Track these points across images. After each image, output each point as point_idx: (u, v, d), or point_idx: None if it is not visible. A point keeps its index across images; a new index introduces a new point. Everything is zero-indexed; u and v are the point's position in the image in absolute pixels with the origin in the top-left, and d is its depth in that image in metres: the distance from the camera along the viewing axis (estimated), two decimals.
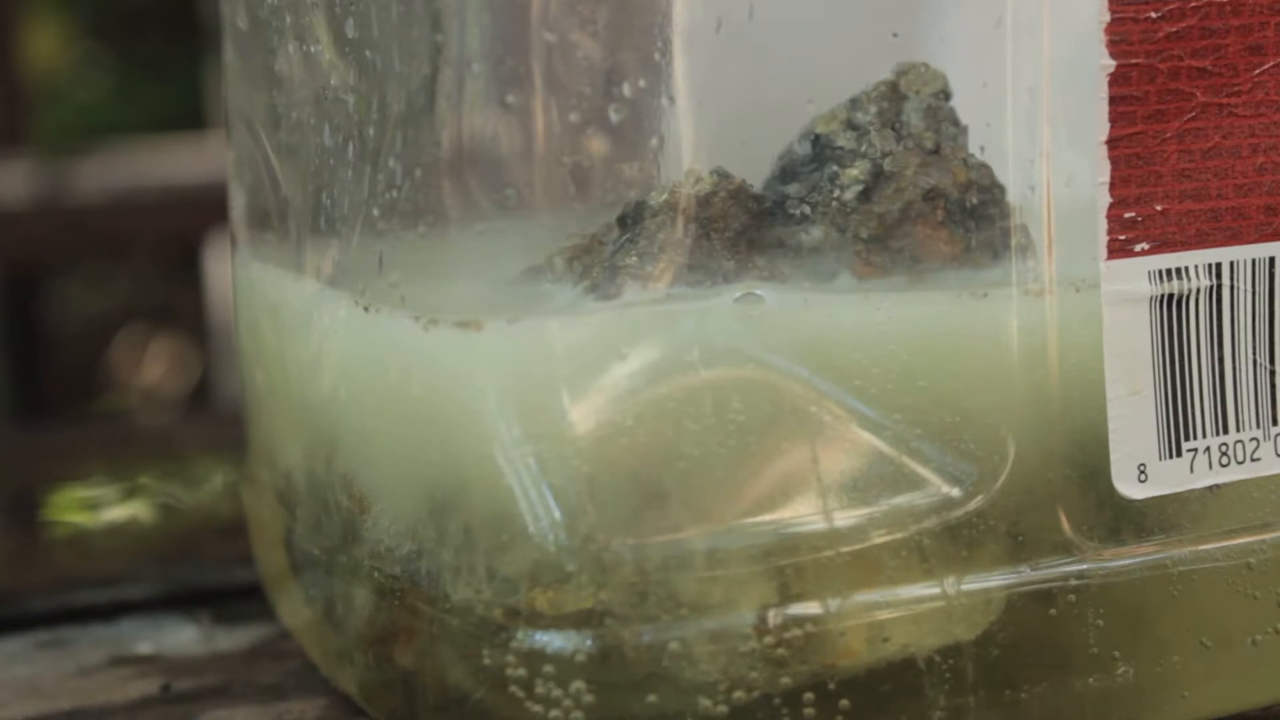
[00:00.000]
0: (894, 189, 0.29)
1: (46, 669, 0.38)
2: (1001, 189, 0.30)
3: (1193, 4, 0.29)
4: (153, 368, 2.00)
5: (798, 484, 0.28)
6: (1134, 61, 0.29)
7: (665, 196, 0.28)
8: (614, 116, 0.28)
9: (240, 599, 0.41)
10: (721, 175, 0.29)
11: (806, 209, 0.29)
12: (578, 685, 0.28)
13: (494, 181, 0.28)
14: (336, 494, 0.32)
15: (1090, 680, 0.30)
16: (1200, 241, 0.30)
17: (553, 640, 0.28)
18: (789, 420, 0.28)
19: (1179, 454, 0.30)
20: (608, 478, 0.28)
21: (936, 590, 0.29)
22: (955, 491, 0.29)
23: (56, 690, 0.37)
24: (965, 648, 0.29)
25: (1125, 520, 0.30)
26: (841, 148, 0.29)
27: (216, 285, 1.59)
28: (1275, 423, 0.31)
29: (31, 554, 0.49)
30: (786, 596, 0.28)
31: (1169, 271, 0.30)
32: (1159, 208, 0.30)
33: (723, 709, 0.28)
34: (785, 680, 0.28)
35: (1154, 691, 0.30)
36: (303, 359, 0.33)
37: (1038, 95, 0.29)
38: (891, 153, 0.29)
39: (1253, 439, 0.31)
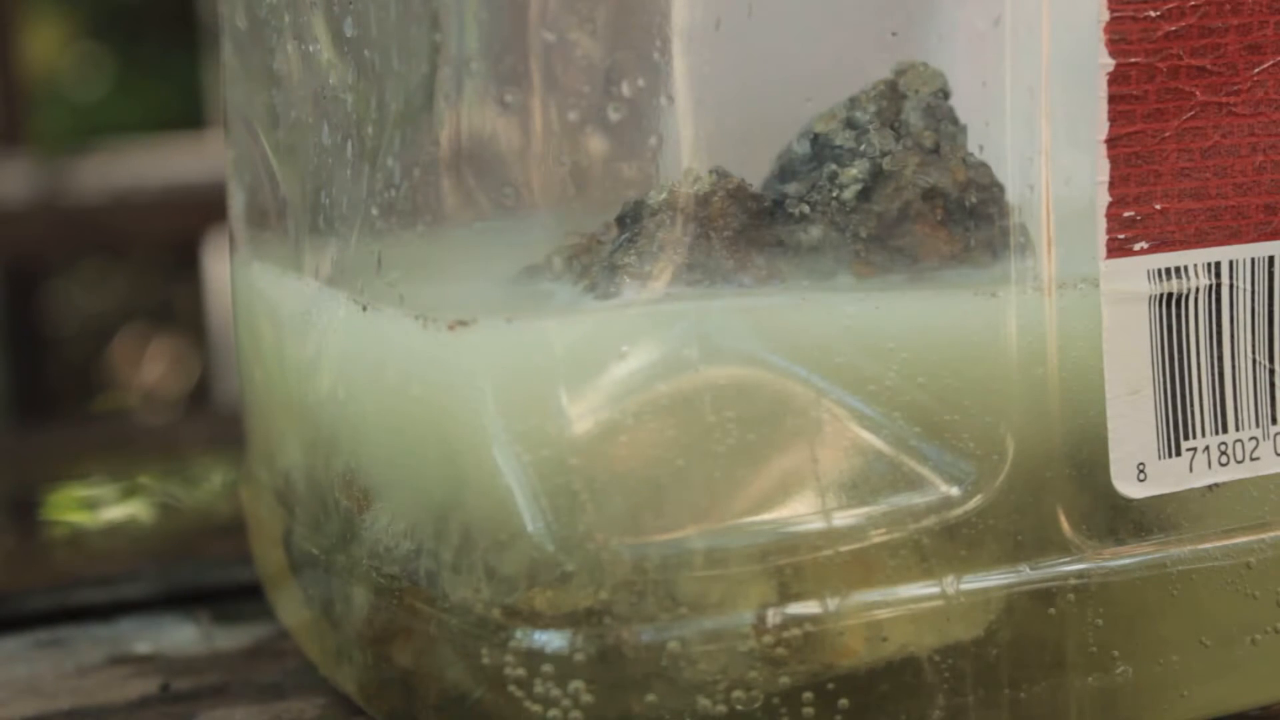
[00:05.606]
0: (893, 188, 0.29)
1: (46, 668, 0.38)
2: (1000, 188, 0.29)
3: (1192, 3, 0.29)
4: (153, 368, 2.00)
5: (797, 483, 0.28)
6: (1133, 60, 0.29)
7: (664, 196, 0.28)
8: (613, 116, 0.28)
9: (239, 599, 0.41)
10: (720, 174, 0.29)
11: (805, 208, 0.29)
12: (576, 685, 0.28)
13: (493, 180, 0.28)
14: (335, 493, 0.32)
15: (1090, 680, 0.30)
16: (1200, 240, 0.30)
17: (551, 640, 0.28)
18: (788, 419, 0.28)
19: (1178, 453, 0.30)
20: (606, 477, 0.28)
21: (936, 590, 0.29)
22: (955, 491, 0.29)
23: (56, 690, 0.37)
24: (965, 648, 0.29)
25: (1124, 520, 0.30)
26: (840, 147, 0.29)
27: (216, 285, 1.58)
28: (1275, 422, 0.31)
29: (31, 554, 0.49)
30: (785, 596, 0.28)
31: (1168, 270, 0.30)
32: (1158, 207, 0.30)
33: (721, 708, 0.28)
34: (784, 680, 0.28)
35: (1153, 691, 0.30)
36: (302, 358, 0.33)
37: (1037, 94, 0.29)
38: (890, 152, 0.29)
39: (1252, 438, 0.31)
